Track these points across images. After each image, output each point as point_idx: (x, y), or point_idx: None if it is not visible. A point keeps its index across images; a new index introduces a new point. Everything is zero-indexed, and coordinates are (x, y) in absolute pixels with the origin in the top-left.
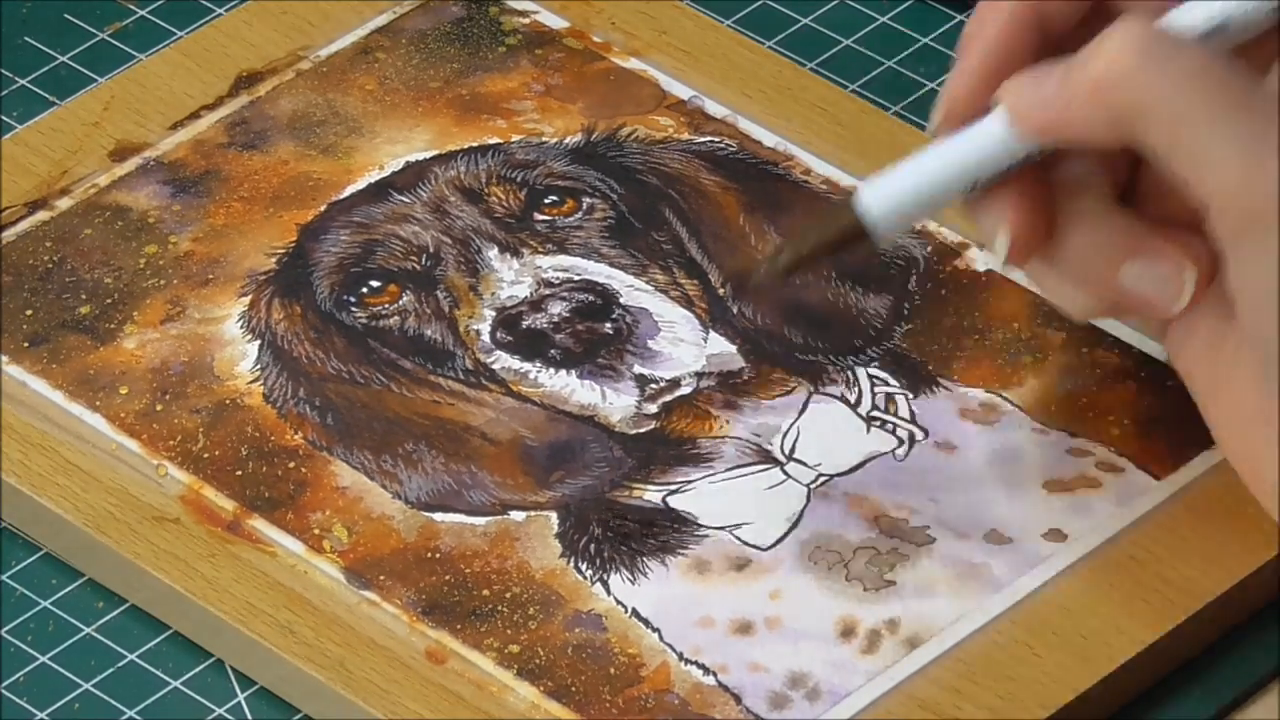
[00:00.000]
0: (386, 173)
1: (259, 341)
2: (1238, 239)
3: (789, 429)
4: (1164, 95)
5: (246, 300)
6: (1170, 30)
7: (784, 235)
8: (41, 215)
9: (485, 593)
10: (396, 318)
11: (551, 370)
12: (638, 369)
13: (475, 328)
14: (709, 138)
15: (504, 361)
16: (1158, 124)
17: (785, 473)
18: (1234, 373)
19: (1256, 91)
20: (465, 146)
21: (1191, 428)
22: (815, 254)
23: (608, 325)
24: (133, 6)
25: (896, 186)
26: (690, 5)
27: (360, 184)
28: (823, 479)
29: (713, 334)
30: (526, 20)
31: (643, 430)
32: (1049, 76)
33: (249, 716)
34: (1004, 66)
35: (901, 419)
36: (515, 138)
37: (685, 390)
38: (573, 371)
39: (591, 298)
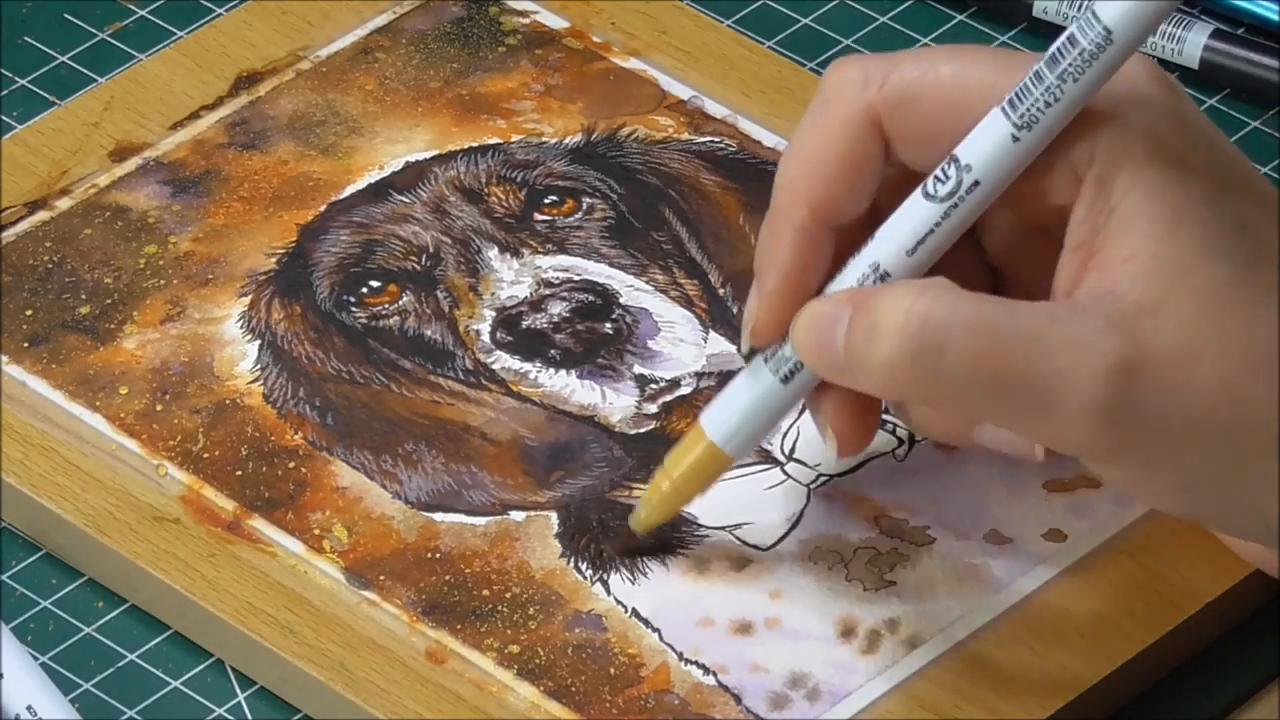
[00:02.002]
0: (386, 173)
1: (259, 341)
2: (1089, 464)
3: (789, 429)
4: (945, 392)
5: (246, 300)
6: (936, 297)
7: None
8: (41, 215)
9: (485, 593)
10: (396, 318)
11: (551, 370)
12: (638, 369)
13: (475, 328)
14: (709, 138)
15: (504, 361)
16: (945, 408)
17: (785, 473)
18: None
19: (1024, 348)
20: (465, 146)
21: None
22: (687, 492)
23: (608, 325)
24: (133, 6)
25: (734, 414)
26: (690, 5)
27: (360, 184)
28: (823, 479)
29: (713, 334)
30: (526, 20)
31: (643, 430)
32: (835, 327)
33: (249, 716)
34: (802, 285)
35: None
36: (515, 138)
37: (685, 390)
38: (573, 371)
39: (591, 298)
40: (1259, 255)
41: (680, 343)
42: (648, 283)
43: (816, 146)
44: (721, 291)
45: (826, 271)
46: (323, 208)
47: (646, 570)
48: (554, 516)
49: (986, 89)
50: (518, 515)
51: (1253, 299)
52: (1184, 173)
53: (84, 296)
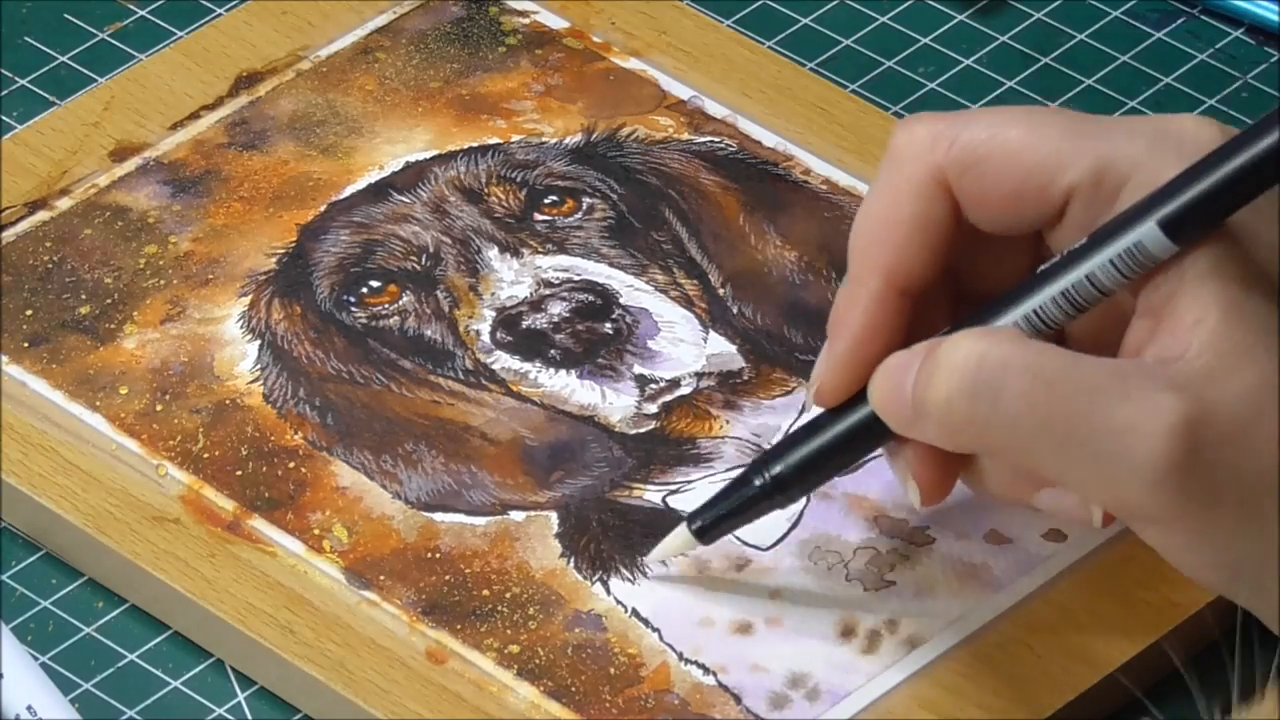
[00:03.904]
0: (386, 173)
1: (259, 341)
2: (1141, 530)
3: (789, 429)
4: (1001, 437)
5: (246, 300)
6: (997, 341)
7: (782, 235)
8: (41, 215)
9: (485, 593)
10: (396, 318)
11: (551, 370)
12: (638, 369)
13: (475, 328)
14: (709, 138)
15: (504, 361)
16: (1004, 457)
17: None
18: None
19: (1084, 398)
20: (465, 146)
21: None
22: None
23: (608, 325)
24: (133, 6)
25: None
26: (690, 5)
27: (360, 184)
28: None
29: (713, 334)
30: (526, 20)
31: (643, 430)
32: (907, 374)
33: (249, 716)
34: (872, 349)
35: None
36: (515, 138)
37: (685, 390)
38: (573, 371)
39: (591, 298)
40: None
41: (680, 343)
42: (648, 283)
43: (887, 209)
44: (721, 291)
45: (899, 334)
46: (323, 208)
47: (646, 570)
48: (554, 516)
49: (1054, 154)
50: (518, 515)
51: None
52: (1249, 242)
53: (84, 296)
